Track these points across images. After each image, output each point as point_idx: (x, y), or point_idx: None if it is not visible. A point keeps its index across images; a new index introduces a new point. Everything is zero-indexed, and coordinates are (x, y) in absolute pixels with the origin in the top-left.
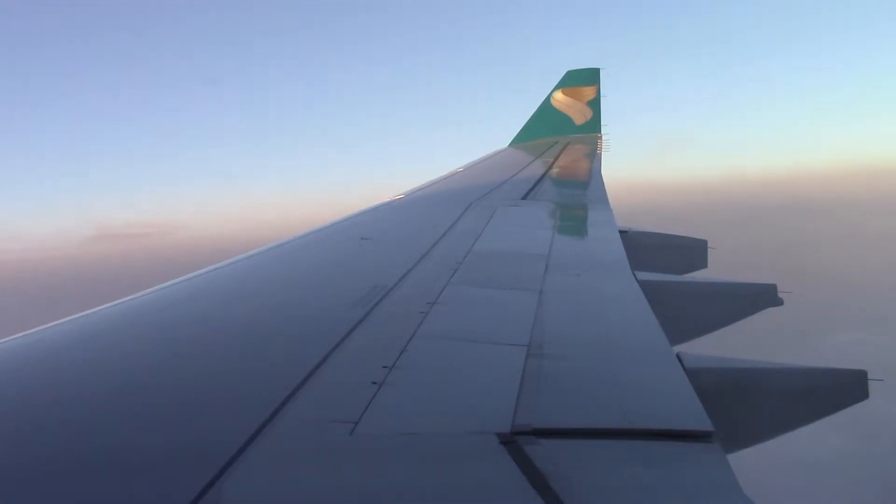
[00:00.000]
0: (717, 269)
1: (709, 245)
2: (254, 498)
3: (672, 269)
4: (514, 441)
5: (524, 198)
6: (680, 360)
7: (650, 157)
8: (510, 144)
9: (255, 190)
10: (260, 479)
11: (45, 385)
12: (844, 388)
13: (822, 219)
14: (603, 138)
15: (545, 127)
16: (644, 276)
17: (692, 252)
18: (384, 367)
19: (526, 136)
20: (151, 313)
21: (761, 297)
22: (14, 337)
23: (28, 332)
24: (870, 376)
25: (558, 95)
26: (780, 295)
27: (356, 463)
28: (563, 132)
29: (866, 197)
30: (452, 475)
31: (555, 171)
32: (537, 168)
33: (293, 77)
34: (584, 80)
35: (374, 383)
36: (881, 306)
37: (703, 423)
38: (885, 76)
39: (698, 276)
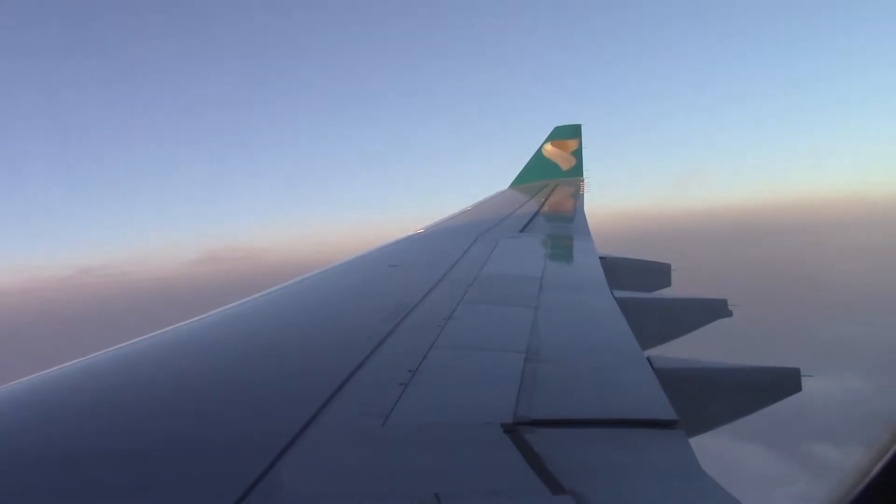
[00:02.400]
0: (680, 287)
1: (672, 267)
2: (305, 475)
3: (642, 287)
4: (515, 430)
5: (522, 230)
6: (650, 362)
7: (640, 189)
8: (510, 186)
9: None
10: (310, 461)
11: (164, 375)
12: (782, 382)
13: (786, 241)
14: (584, 181)
15: (538, 172)
16: (619, 293)
17: (659, 273)
18: (409, 370)
19: (523, 179)
20: (237, 321)
21: (714, 309)
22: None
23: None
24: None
25: (548, 147)
26: (730, 308)
27: (387, 448)
28: (553, 176)
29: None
30: (465, 458)
31: (546, 208)
32: (532, 206)
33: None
34: (568, 134)
35: (401, 384)
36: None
37: (669, 413)
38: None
39: (664, 293)
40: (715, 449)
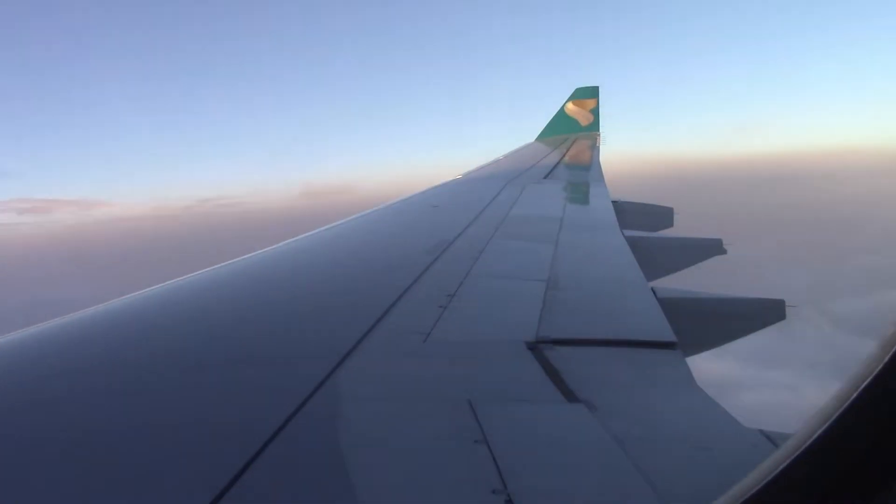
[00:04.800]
0: (683, 228)
1: (675, 211)
2: (359, 381)
3: (648, 227)
4: (537, 347)
5: (545, 178)
6: (653, 292)
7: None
8: (536, 139)
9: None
10: (364, 370)
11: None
12: (768, 311)
13: (802, 190)
14: (601, 135)
15: (560, 127)
16: (629, 233)
17: (663, 216)
18: (447, 295)
19: (547, 134)
20: (307, 251)
21: (710, 247)
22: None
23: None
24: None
25: (569, 105)
26: (724, 246)
27: (428, 360)
28: (573, 131)
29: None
30: (494, 370)
31: (566, 159)
32: (554, 157)
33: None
34: (587, 94)
35: (440, 307)
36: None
37: (669, 335)
38: None
39: (666, 233)
40: (707, 367)
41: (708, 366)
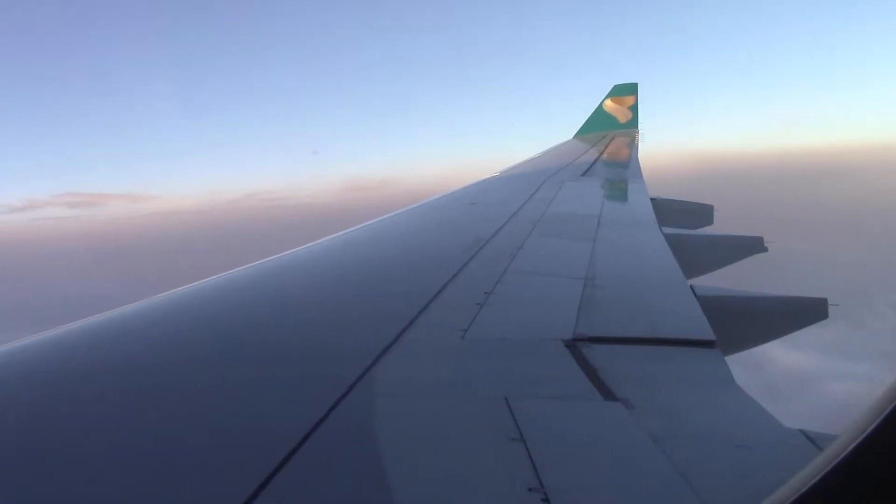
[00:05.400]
0: (722, 225)
1: (714, 208)
2: (398, 376)
3: (688, 225)
4: (574, 345)
5: (583, 175)
6: (692, 290)
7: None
8: (574, 136)
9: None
10: (402, 365)
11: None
12: (810, 310)
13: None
14: (639, 133)
15: (598, 124)
16: (667, 230)
17: (702, 213)
18: (485, 293)
19: (585, 131)
20: (347, 247)
21: (751, 245)
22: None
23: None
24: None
25: (607, 102)
26: (766, 244)
27: (465, 358)
28: (611, 128)
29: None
30: (531, 368)
31: (604, 156)
32: (592, 154)
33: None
34: (626, 91)
35: (478, 304)
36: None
37: (708, 333)
38: None
39: (707, 230)
40: (749, 365)
41: (787, 357)
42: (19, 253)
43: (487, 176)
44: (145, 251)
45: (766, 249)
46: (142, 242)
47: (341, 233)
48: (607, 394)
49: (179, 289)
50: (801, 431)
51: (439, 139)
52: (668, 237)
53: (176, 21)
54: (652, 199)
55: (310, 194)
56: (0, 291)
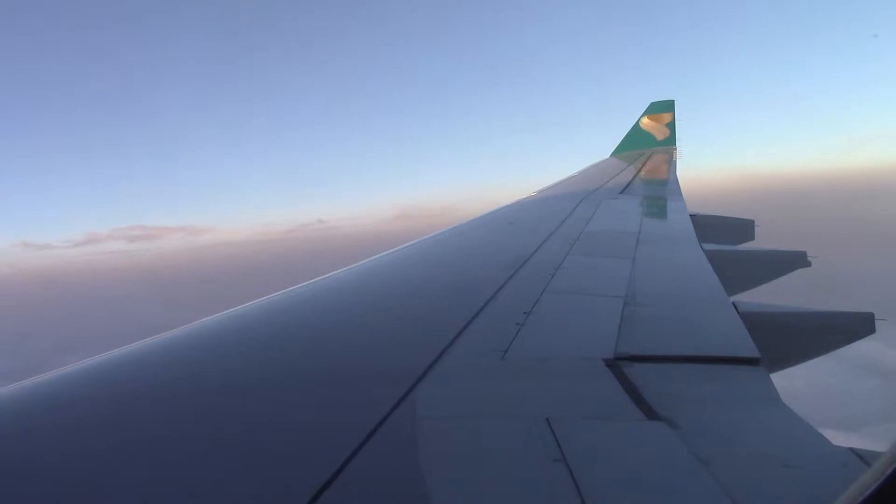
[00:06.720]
0: (763, 241)
1: (756, 223)
2: (437, 398)
3: (729, 241)
4: (616, 364)
5: (622, 193)
6: (735, 306)
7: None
8: (611, 154)
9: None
10: (442, 387)
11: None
12: (857, 325)
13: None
14: (677, 150)
15: (635, 142)
16: (708, 246)
17: (743, 228)
18: (524, 312)
19: (622, 149)
20: (389, 268)
21: (794, 260)
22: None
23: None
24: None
25: (644, 120)
26: (809, 259)
27: (505, 378)
28: (649, 146)
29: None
30: (572, 388)
31: (643, 174)
32: (630, 172)
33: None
34: (663, 108)
35: (518, 324)
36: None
37: (752, 351)
38: None
39: (748, 246)
40: (795, 383)
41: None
42: (81, 284)
43: (524, 196)
44: (203, 280)
45: (809, 264)
46: (200, 272)
47: (381, 254)
48: (650, 413)
49: (221, 313)
50: (852, 450)
51: (489, 166)
52: (708, 253)
53: (230, 53)
54: (691, 216)
55: (363, 222)
56: (60, 322)
